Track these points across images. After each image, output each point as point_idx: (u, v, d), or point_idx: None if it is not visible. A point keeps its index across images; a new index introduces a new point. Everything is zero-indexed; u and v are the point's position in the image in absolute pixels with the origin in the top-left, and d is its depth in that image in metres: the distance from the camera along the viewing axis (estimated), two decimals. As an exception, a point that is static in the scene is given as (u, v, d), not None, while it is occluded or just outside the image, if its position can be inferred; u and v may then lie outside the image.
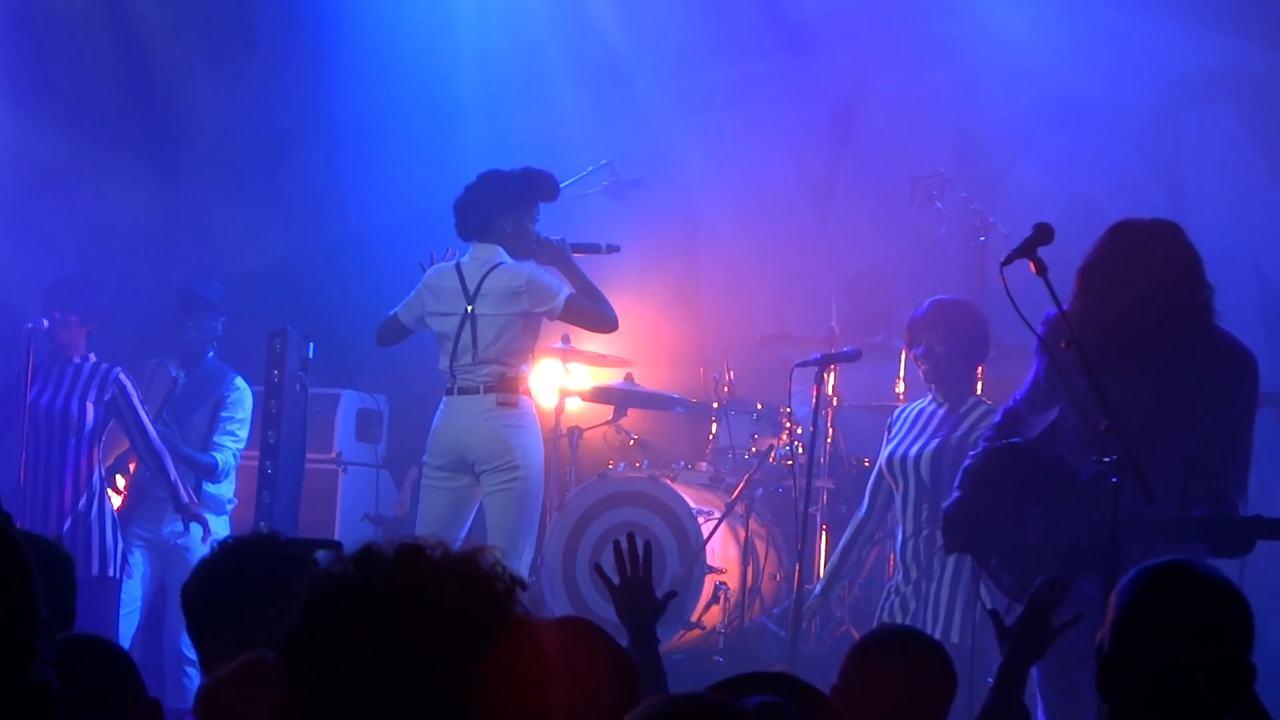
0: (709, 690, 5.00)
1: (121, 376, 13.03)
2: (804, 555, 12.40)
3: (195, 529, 12.92)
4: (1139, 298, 8.84)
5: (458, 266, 12.12)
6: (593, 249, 12.51)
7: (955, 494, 9.22)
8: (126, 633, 13.01)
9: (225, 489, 13.38)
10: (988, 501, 9.10)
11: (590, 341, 13.68)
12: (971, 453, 9.43)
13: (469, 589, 3.13)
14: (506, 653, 3.11)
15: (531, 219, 12.20)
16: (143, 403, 13.07)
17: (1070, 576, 7.81)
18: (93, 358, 13.15)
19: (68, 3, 15.46)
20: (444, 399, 12.23)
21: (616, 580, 6.78)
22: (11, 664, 2.70)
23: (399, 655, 3.06)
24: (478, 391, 11.99)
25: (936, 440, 11.78)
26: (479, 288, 11.98)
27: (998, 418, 9.43)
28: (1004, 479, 9.11)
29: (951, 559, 11.51)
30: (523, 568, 12.00)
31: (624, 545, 6.86)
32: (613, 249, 12.60)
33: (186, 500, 12.88)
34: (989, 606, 7.55)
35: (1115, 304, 8.90)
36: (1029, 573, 8.64)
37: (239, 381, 13.49)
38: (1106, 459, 8.43)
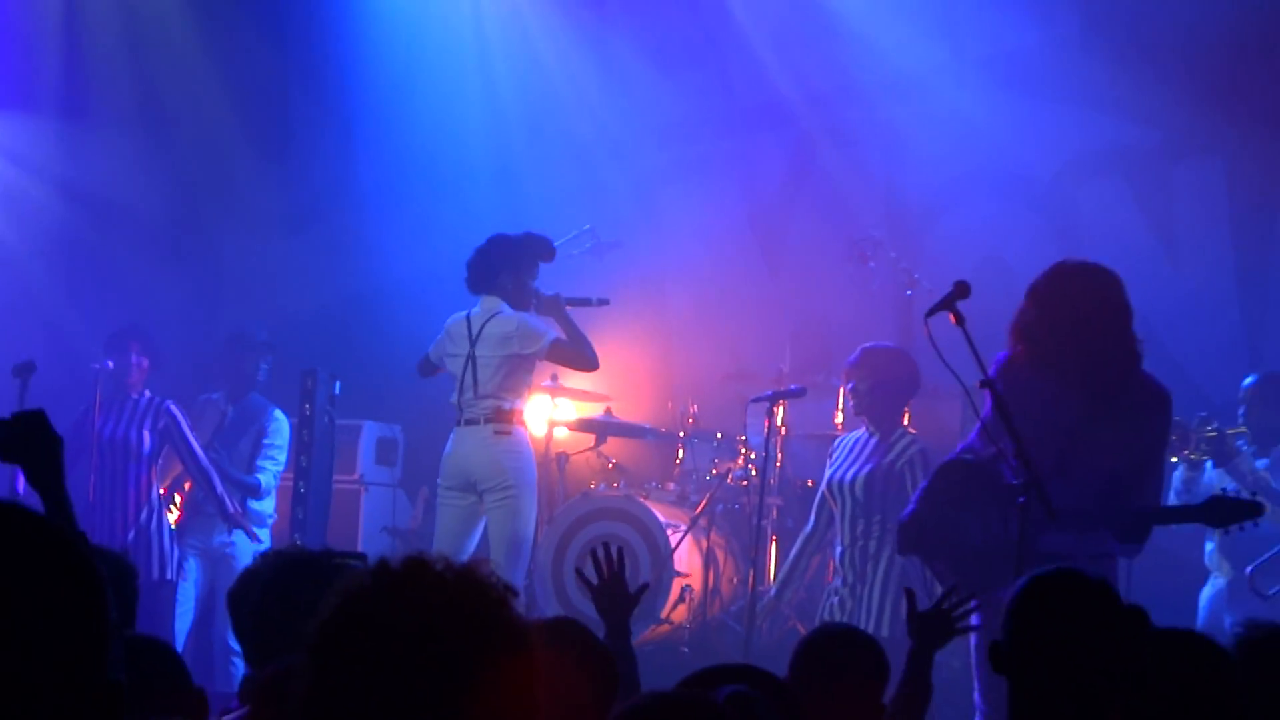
0: (680, 686, 5.12)
1: (172, 408, 12.96)
2: (757, 562, 12.55)
3: (239, 538, 12.97)
4: (1085, 336, 8.81)
5: (468, 315, 12.08)
6: (584, 303, 12.47)
7: (910, 506, 9.21)
8: (182, 628, 13.04)
9: (266, 505, 13.25)
10: (934, 511, 9.09)
11: (575, 379, 13.55)
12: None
13: (467, 596, 3.16)
14: (500, 652, 3.12)
15: (531, 276, 12.17)
16: (192, 429, 12.99)
17: (1001, 576, 8.07)
18: (147, 393, 13.07)
19: (141, 98, 15.44)
20: (454, 429, 12.16)
21: (596, 582, 6.85)
22: (88, 665, 2.68)
23: (407, 654, 3.09)
24: (479, 423, 11.95)
25: (869, 466, 11.82)
26: (480, 333, 11.95)
27: (957, 450, 9.29)
28: (950, 490, 9.09)
29: (881, 566, 11.69)
30: (519, 572, 12.01)
31: (600, 554, 6.94)
32: (603, 302, 12.62)
33: (232, 511, 12.88)
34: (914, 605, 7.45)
35: (1063, 339, 8.87)
36: (969, 573, 8.67)
37: (278, 414, 13.38)
38: (1015, 482, 8.37)
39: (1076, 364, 8.88)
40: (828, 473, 12.09)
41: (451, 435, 12.15)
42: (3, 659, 2.62)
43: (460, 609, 3.14)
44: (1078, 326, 8.88)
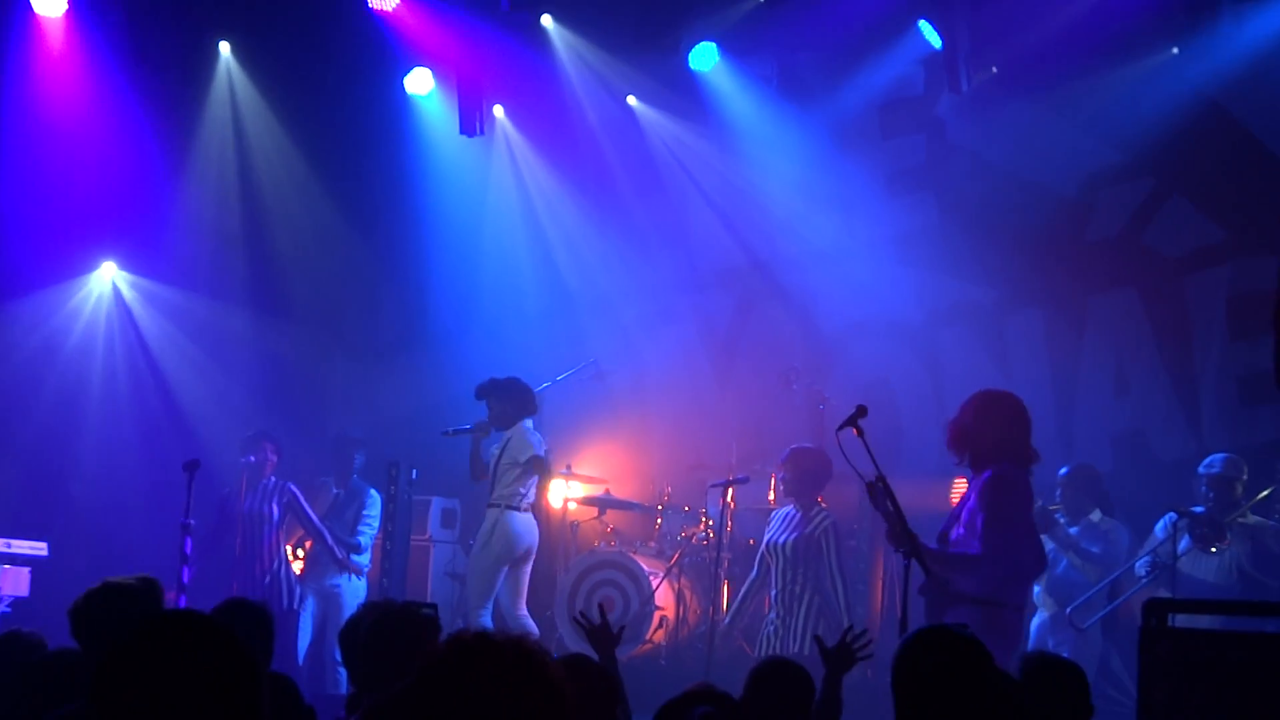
0: (662, 708, 5.26)
1: (292, 487, 12.97)
2: (714, 599, 12.54)
3: (343, 582, 13.03)
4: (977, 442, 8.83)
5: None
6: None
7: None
8: (303, 645, 13.02)
9: (364, 559, 13.24)
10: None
11: (583, 468, 13.73)
12: None
13: (521, 658, 3.11)
14: (543, 694, 3.10)
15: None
16: (307, 502, 13.00)
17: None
18: (274, 478, 13.07)
19: (281, 244, 15.56)
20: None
21: (589, 630, 6.83)
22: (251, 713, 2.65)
23: (485, 699, 3.05)
24: (496, 506, 12.21)
25: (795, 534, 11.79)
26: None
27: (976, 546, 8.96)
28: None
29: (803, 604, 11.64)
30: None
31: (590, 617, 6.90)
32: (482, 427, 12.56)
33: (341, 558, 12.97)
34: (818, 635, 7.50)
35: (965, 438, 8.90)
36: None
37: (373, 492, 13.37)
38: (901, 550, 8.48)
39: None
40: (766, 537, 12.00)
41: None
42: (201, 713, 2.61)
43: (518, 669, 3.10)
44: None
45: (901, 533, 8.43)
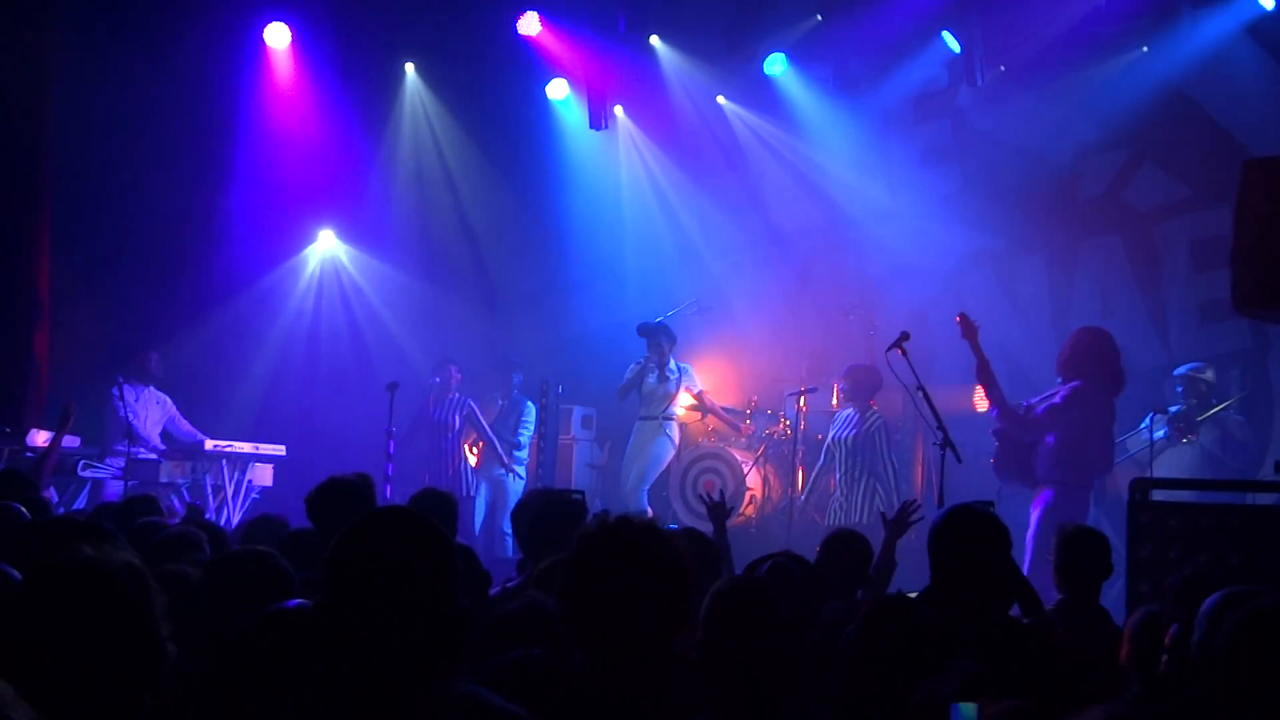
0: (747, 567, 5.17)
1: (470, 402, 13.08)
2: (792, 482, 12.70)
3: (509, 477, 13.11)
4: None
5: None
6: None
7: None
8: (478, 522, 13.10)
9: (523, 454, 13.32)
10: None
11: (703, 383, 13.52)
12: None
13: (652, 531, 3.17)
14: (667, 563, 3.13)
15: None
16: (482, 413, 13.11)
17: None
18: (457, 394, 13.21)
19: (436, 206, 15.61)
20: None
21: (709, 505, 6.85)
22: (450, 597, 2.63)
23: (624, 565, 3.09)
24: (653, 419, 12.76)
25: (854, 431, 11.82)
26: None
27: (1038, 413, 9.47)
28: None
29: (860, 486, 11.68)
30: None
31: (712, 494, 7.00)
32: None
33: (506, 459, 13.04)
34: (881, 510, 7.49)
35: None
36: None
37: (529, 403, 13.42)
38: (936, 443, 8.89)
39: None
40: (830, 433, 12.05)
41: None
42: (417, 594, 2.57)
43: (651, 543, 3.13)
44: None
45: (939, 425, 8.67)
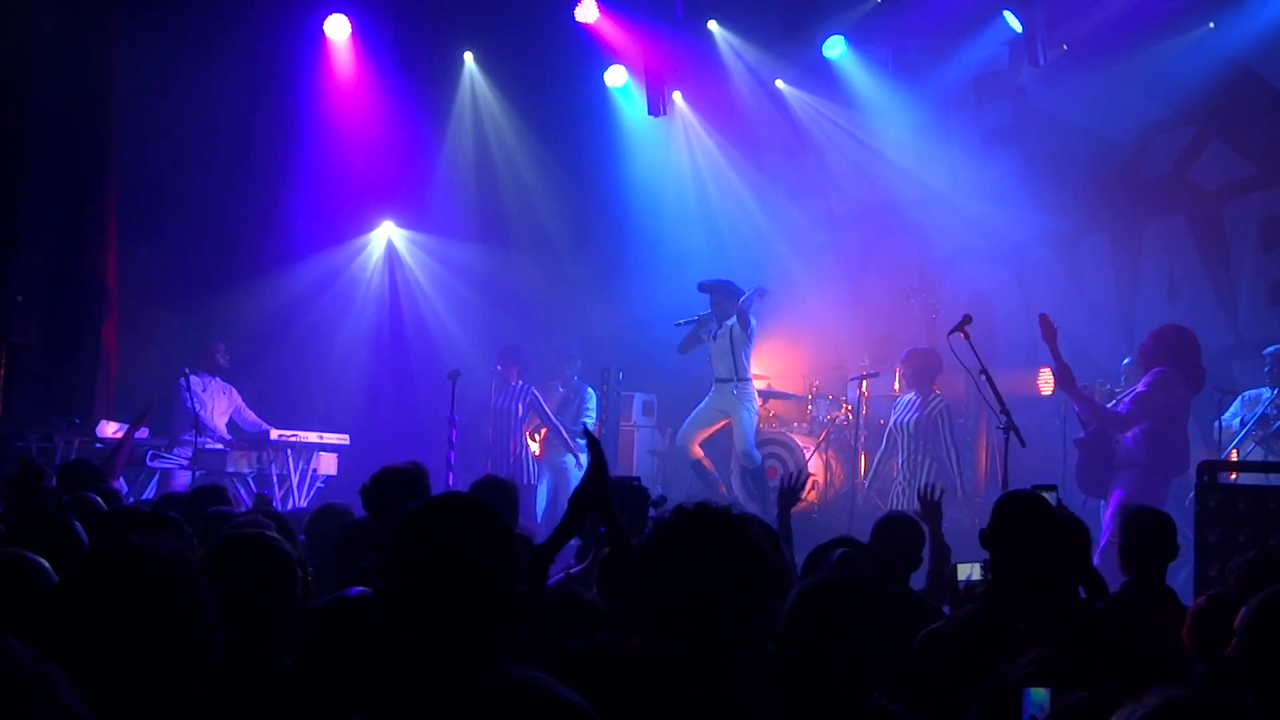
0: (812, 552, 5.22)
1: (533, 390, 13.05)
2: (854, 466, 12.66)
3: (569, 462, 12.98)
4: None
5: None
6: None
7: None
8: (539, 510, 12.98)
9: (584, 442, 13.20)
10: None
11: (752, 367, 13.22)
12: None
13: (728, 521, 3.12)
14: (744, 547, 3.08)
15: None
16: (545, 399, 13.06)
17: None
18: (520, 382, 13.19)
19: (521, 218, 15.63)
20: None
21: (782, 486, 6.88)
22: (512, 581, 2.61)
23: (700, 547, 3.07)
24: (729, 381, 12.22)
25: (916, 415, 11.85)
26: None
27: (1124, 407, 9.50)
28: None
29: (922, 470, 11.65)
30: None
31: (792, 478, 6.96)
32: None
33: (570, 444, 12.96)
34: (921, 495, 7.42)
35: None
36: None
37: (590, 390, 13.40)
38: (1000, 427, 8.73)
39: None
40: (892, 418, 12.10)
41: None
42: (479, 580, 2.56)
43: (727, 525, 3.10)
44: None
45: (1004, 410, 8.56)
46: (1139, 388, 9.33)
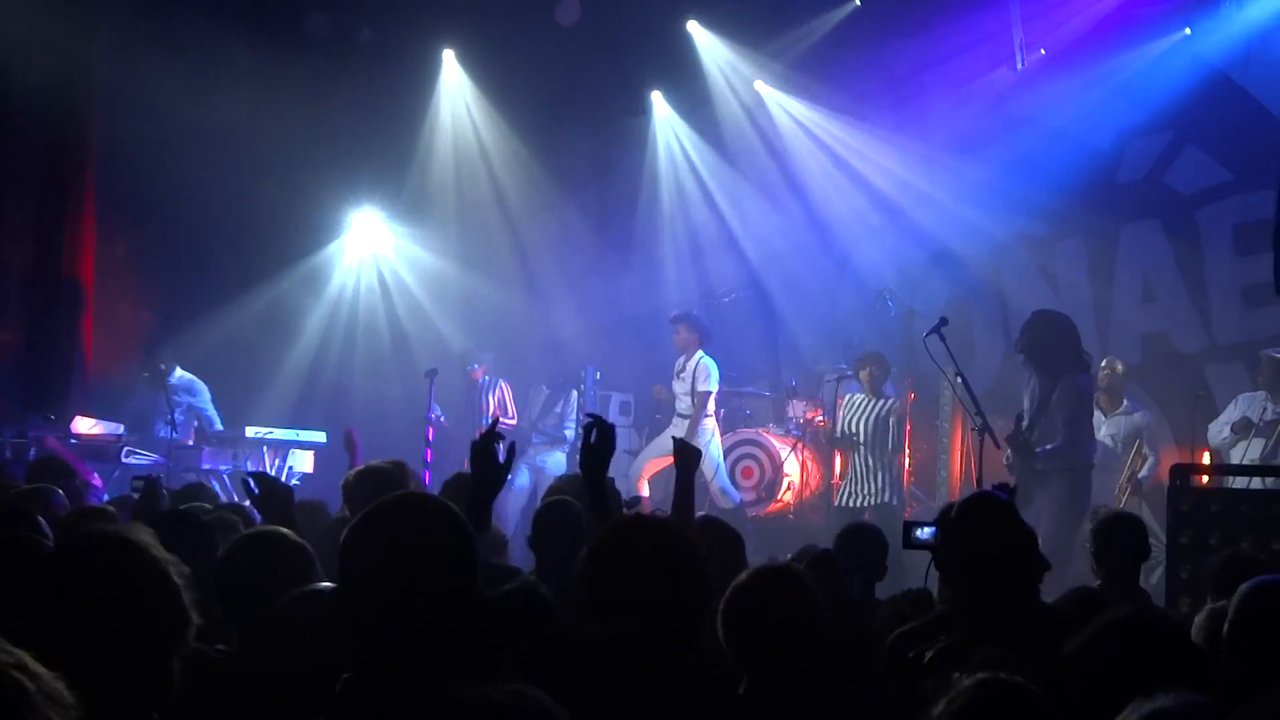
0: (789, 559, 5.23)
1: (501, 383, 13.14)
2: (831, 468, 12.60)
3: (545, 456, 13.09)
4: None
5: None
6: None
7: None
8: (517, 507, 12.69)
9: (569, 434, 13.21)
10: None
11: (729, 369, 13.28)
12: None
13: (668, 531, 3.38)
14: (688, 555, 3.32)
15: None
16: (513, 396, 13.17)
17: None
18: (487, 378, 13.31)
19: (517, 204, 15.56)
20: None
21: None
22: (469, 584, 2.61)
23: (651, 553, 3.27)
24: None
25: (870, 416, 11.91)
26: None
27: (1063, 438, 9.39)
28: None
29: (870, 473, 11.69)
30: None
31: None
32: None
33: (554, 444, 13.06)
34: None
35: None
36: None
37: (574, 391, 13.46)
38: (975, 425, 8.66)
39: None
40: (850, 420, 11.95)
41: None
42: (430, 581, 2.55)
43: (666, 535, 3.33)
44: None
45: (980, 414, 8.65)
46: (1052, 402, 9.22)
